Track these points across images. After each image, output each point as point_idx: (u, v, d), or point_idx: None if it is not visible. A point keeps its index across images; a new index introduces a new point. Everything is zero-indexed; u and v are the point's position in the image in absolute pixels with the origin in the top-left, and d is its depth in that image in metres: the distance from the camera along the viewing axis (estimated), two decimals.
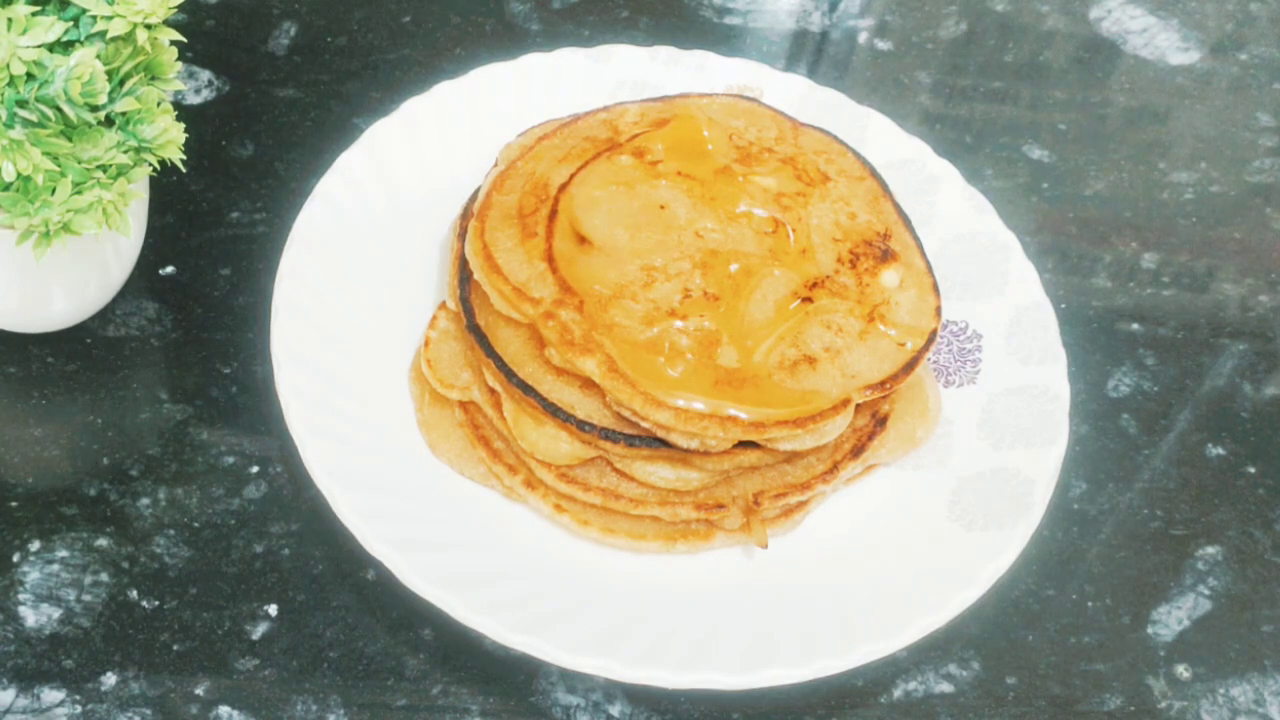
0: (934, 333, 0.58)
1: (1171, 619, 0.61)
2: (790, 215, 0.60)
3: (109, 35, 0.52)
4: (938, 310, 0.59)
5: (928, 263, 0.60)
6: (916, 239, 0.61)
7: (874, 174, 0.63)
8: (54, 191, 0.53)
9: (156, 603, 0.57)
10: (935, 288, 0.60)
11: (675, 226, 0.59)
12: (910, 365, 0.58)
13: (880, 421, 0.60)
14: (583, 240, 0.58)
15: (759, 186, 0.61)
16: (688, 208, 0.59)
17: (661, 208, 0.59)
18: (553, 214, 0.58)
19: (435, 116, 0.66)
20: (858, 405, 0.57)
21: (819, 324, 0.57)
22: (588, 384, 0.57)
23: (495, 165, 0.62)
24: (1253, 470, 0.65)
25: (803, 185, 0.61)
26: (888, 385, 0.57)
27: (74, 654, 0.55)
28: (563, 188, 0.60)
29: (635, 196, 0.59)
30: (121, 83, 0.53)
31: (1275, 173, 0.76)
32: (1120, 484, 0.64)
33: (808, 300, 0.58)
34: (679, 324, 0.56)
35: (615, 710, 0.56)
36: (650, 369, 0.55)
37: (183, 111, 0.58)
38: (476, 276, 0.58)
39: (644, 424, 0.55)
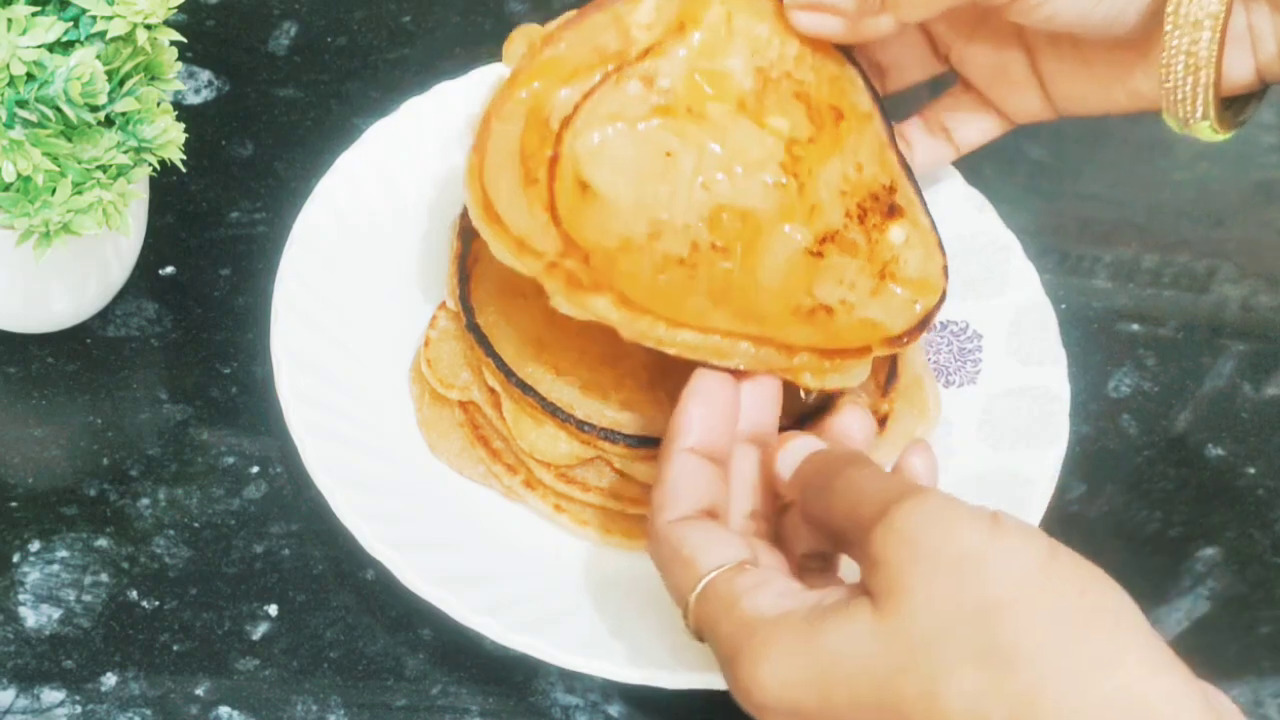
0: (944, 293, 0.57)
1: (1170, 620, 0.60)
2: (801, 167, 0.58)
3: (109, 35, 0.52)
4: (945, 269, 0.57)
5: (931, 219, 0.59)
6: (919, 193, 0.59)
7: (881, 114, 0.60)
8: (54, 192, 0.53)
9: (156, 603, 0.57)
10: (940, 246, 0.58)
11: (683, 178, 0.56)
12: (924, 323, 0.56)
13: (880, 422, 0.60)
14: (585, 187, 0.55)
15: (771, 130, 0.58)
16: (695, 157, 0.57)
17: (668, 155, 0.57)
18: (555, 158, 0.55)
19: (435, 116, 0.66)
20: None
21: (832, 280, 0.56)
22: (587, 384, 0.57)
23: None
24: (1252, 471, 0.65)
25: (814, 129, 0.58)
26: (904, 340, 0.56)
27: (74, 654, 0.55)
28: (565, 123, 0.56)
29: (641, 142, 0.57)
30: (121, 83, 0.53)
31: (1277, 172, 0.76)
32: (1119, 484, 0.64)
33: (819, 255, 0.56)
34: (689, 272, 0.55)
35: (614, 710, 0.56)
36: (666, 296, 0.53)
37: (182, 111, 0.58)
38: (474, 222, 0.55)
39: (669, 350, 0.52)
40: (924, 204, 0.59)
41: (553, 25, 0.58)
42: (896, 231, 0.58)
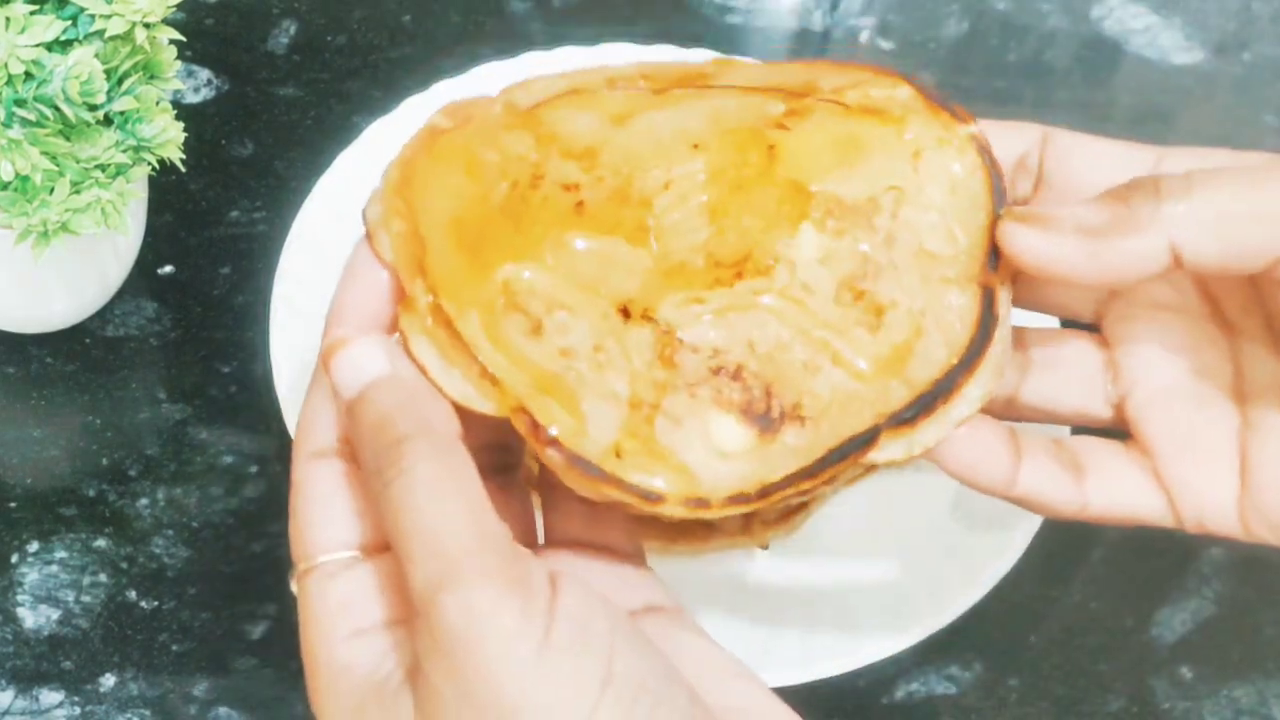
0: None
1: (1175, 621, 0.60)
2: (760, 281, 0.42)
3: (107, 34, 0.52)
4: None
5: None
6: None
7: (914, 406, 0.41)
8: (52, 191, 0.53)
9: (155, 603, 0.57)
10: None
11: (666, 163, 0.44)
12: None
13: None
14: (624, 117, 0.45)
15: (790, 236, 0.43)
16: (705, 169, 0.44)
17: (695, 146, 0.44)
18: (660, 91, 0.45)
19: None
20: None
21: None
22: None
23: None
24: None
25: (831, 291, 0.42)
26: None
27: (73, 655, 0.55)
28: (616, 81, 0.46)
29: (708, 124, 0.44)
30: (120, 82, 0.53)
31: None
32: None
33: (624, 315, 0.41)
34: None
35: None
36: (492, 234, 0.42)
37: (181, 110, 0.58)
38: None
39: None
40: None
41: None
42: (729, 429, 0.41)
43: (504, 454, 0.43)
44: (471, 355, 0.39)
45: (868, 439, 0.40)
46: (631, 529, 0.44)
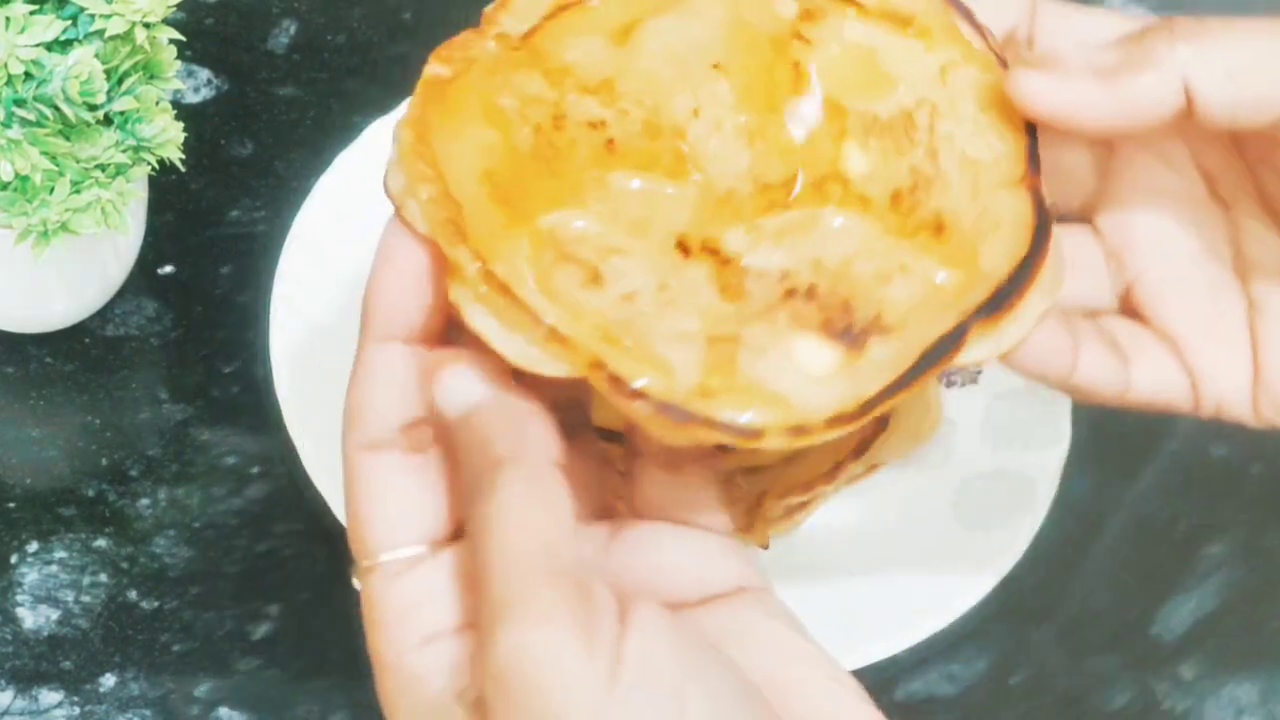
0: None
1: (1176, 617, 0.60)
2: (813, 197, 0.41)
3: (107, 34, 0.52)
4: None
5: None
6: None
7: (997, 295, 0.39)
8: (52, 191, 0.53)
9: (156, 603, 0.57)
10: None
11: (691, 87, 0.42)
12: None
13: (882, 421, 0.59)
14: (625, 33, 0.42)
15: (840, 153, 0.42)
16: (731, 90, 0.42)
17: (715, 66, 0.42)
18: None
19: None
20: None
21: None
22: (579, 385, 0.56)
23: None
24: (1257, 469, 0.65)
25: (888, 203, 0.41)
26: None
27: (72, 655, 0.55)
28: None
29: (721, 38, 0.43)
30: (120, 81, 0.53)
31: None
32: (1124, 482, 0.64)
33: (684, 250, 0.40)
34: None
35: None
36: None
37: (181, 110, 0.58)
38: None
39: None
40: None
41: None
42: (813, 349, 0.39)
43: (571, 412, 0.41)
44: (534, 317, 0.36)
45: (955, 339, 0.38)
46: (719, 496, 0.41)
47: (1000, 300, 0.39)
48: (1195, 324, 0.42)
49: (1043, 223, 0.40)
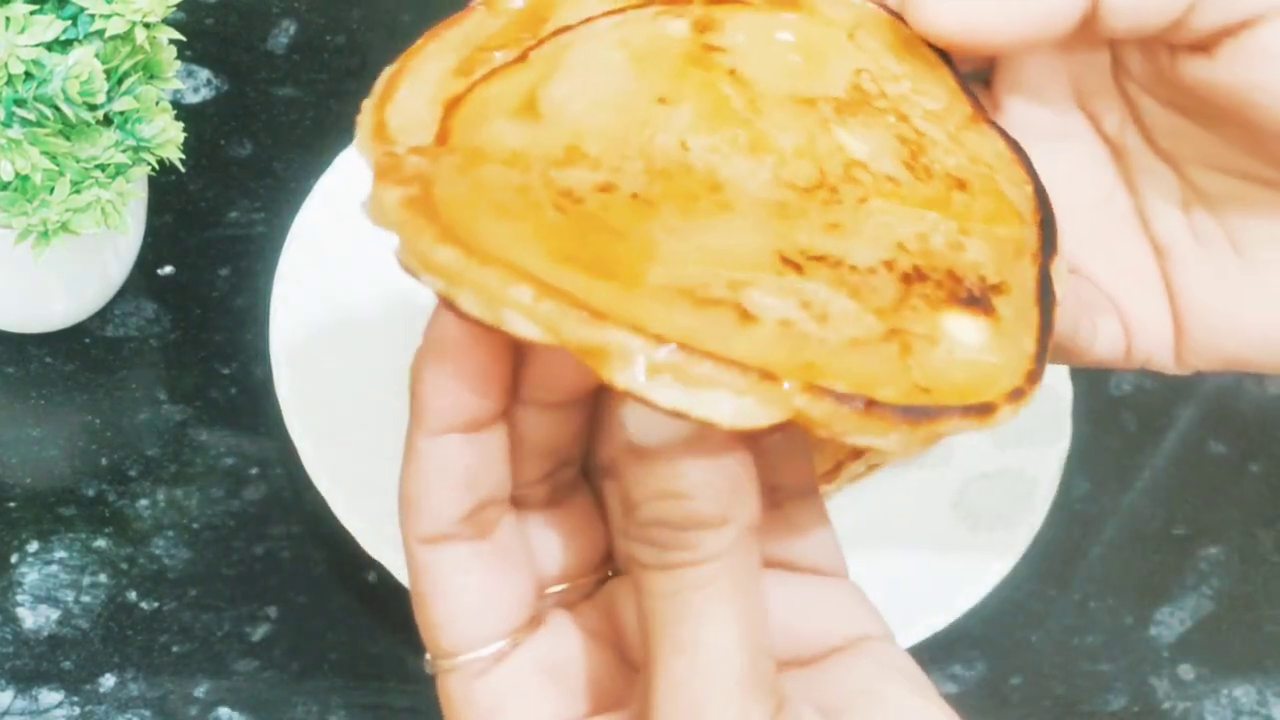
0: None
1: (1174, 619, 0.60)
2: (848, 191, 0.39)
3: (107, 34, 0.52)
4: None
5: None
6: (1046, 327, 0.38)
7: (1045, 225, 0.39)
8: (52, 191, 0.53)
9: (156, 604, 0.57)
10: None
11: (656, 126, 0.39)
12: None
13: None
14: (529, 108, 0.39)
15: (836, 143, 0.40)
16: (695, 116, 0.39)
17: (661, 100, 0.39)
18: (522, 58, 0.40)
19: None
20: None
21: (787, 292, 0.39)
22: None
23: None
24: (1256, 469, 0.65)
25: (906, 175, 0.40)
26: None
27: (72, 655, 0.55)
28: (562, 30, 0.41)
29: (641, 76, 0.40)
30: (120, 81, 0.53)
31: None
32: (1122, 483, 0.64)
33: (794, 266, 0.37)
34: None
35: None
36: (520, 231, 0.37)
37: (181, 110, 0.58)
38: (359, 119, 0.39)
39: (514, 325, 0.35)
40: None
41: None
42: (961, 323, 0.38)
43: (563, 470, 0.37)
44: (735, 364, 0.33)
45: (1045, 279, 0.37)
46: (831, 536, 0.39)
47: (1051, 237, 0.38)
48: (1116, 276, 0.41)
49: (1023, 154, 0.40)
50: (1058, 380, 0.62)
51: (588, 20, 0.41)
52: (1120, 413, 0.66)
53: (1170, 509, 0.63)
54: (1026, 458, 0.60)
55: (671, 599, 0.31)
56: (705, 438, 0.32)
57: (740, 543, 0.31)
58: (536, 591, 0.35)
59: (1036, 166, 0.41)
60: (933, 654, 0.58)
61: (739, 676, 0.30)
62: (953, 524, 0.58)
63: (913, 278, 0.37)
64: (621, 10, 0.41)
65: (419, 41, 0.41)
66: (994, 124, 0.41)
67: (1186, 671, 0.59)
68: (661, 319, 0.34)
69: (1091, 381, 0.66)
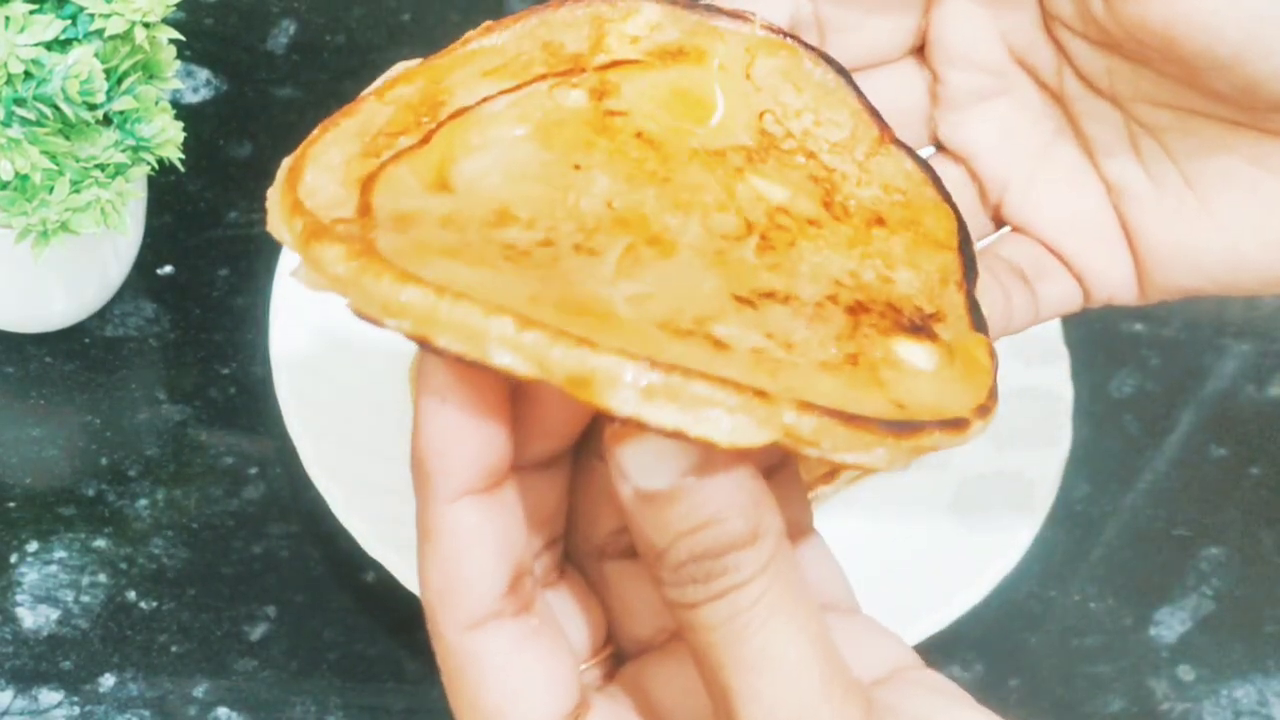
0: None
1: (1174, 620, 0.60)
2: (780, 234, 0.39)
3: (107, 33, 0.52)
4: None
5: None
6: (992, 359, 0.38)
7: (964, 248, 0.40)
8: (52, 190, 0.53)
9: (155, 604, 0.57)
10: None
11: (579, 191, 0.39)
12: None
13: None
14: (442, 185, 0.38)
15: (754, 191, 0.40)
16: (613, 181, 0.39)
17: (576, 168, 0.39)
18: (425, 140, 0.39)
19: None
20: None
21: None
22: None
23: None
24: (1256, 471, 0.65)
25: (824, 216, 0.40)
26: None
27: (72, 655, 0.55)
28: (464, 111, 0.40)
29: (549, 148, 0.40)
30: (119, 81, 0.53)
31: None
32: (1122, 485, 0.64)
33: (746, 302, 0.37)
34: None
35: None
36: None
37: (181, 110, 0.58)
38: (269, 198, 0.38)
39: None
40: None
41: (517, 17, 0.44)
42: (911, 349, 0.38)
43: (555, 546, 0.36)
44: (730, 383, 0.33)
45: (975, 303, 0.38)
46: (840, 572, 0.38)
47: (971, 261, 0.39)
48: (1067, 224, 0.41)
49: (933, 174, 0.41)
50: (1058, 382, 0.62)
51: (485, 100, 0.40)
52: (1121, 415, 0.66)
53: (1170, 511, 0.63)
54: (1026, 459, 0.60)
55: (729, 625, 0.30)
56: (712, 461, 0.31)
57: (778, 552, 0.30)
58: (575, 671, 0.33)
59: (978, 127, 0.43)
60: (931, 655, 0.58)
61: (822, 680, 0.30)
62: (952, 525, 0.58)
63: (857, 310, 0.37)
64: (516, 88, 0.41)
65: (314, 132, 0.40)
66: (900, 143, 0.41)
67: (1186, 672, 0.59)
68: (647, 346, 0.33)
69: (1092, 384, 0.66)
